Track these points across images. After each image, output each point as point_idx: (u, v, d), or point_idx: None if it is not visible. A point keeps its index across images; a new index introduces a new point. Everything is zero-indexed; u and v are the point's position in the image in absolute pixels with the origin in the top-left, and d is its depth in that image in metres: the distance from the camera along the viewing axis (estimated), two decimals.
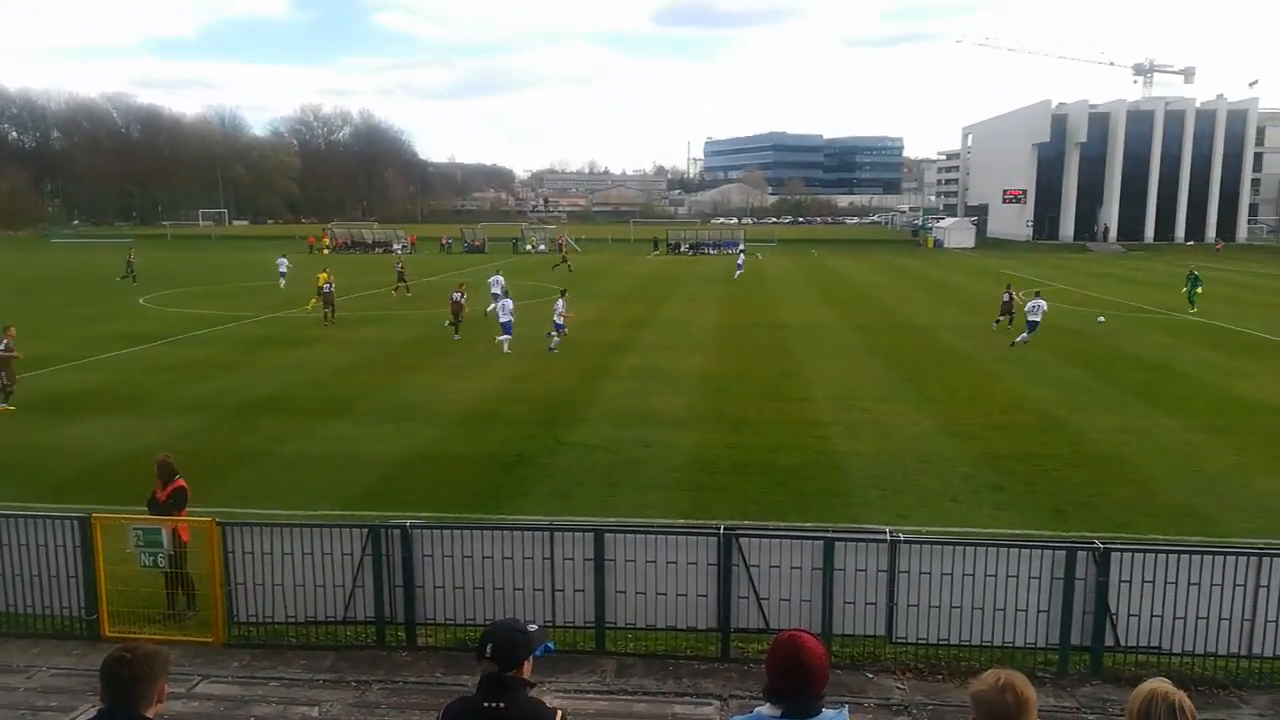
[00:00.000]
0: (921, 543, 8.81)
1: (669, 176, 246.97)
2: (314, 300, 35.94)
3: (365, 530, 9.14)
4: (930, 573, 8.60)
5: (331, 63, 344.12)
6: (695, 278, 54.32)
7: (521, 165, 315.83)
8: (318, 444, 16.70)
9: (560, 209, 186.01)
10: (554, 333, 26.63)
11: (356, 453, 16.06)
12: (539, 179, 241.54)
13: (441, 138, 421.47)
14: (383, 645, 9.16)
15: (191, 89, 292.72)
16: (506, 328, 26.62)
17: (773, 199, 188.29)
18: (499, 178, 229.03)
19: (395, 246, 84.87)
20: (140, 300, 40.44)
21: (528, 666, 3.64)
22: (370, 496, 13.68)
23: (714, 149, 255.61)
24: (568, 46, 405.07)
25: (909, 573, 8.62)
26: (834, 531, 9.64)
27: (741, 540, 8.85)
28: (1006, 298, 31.30)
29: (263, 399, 20.34)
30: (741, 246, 55.21)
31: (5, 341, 19.49)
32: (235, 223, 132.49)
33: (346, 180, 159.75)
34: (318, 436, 17.24)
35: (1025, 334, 27.87)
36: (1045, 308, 28.55)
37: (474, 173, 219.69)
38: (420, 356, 26.23)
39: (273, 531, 9.14)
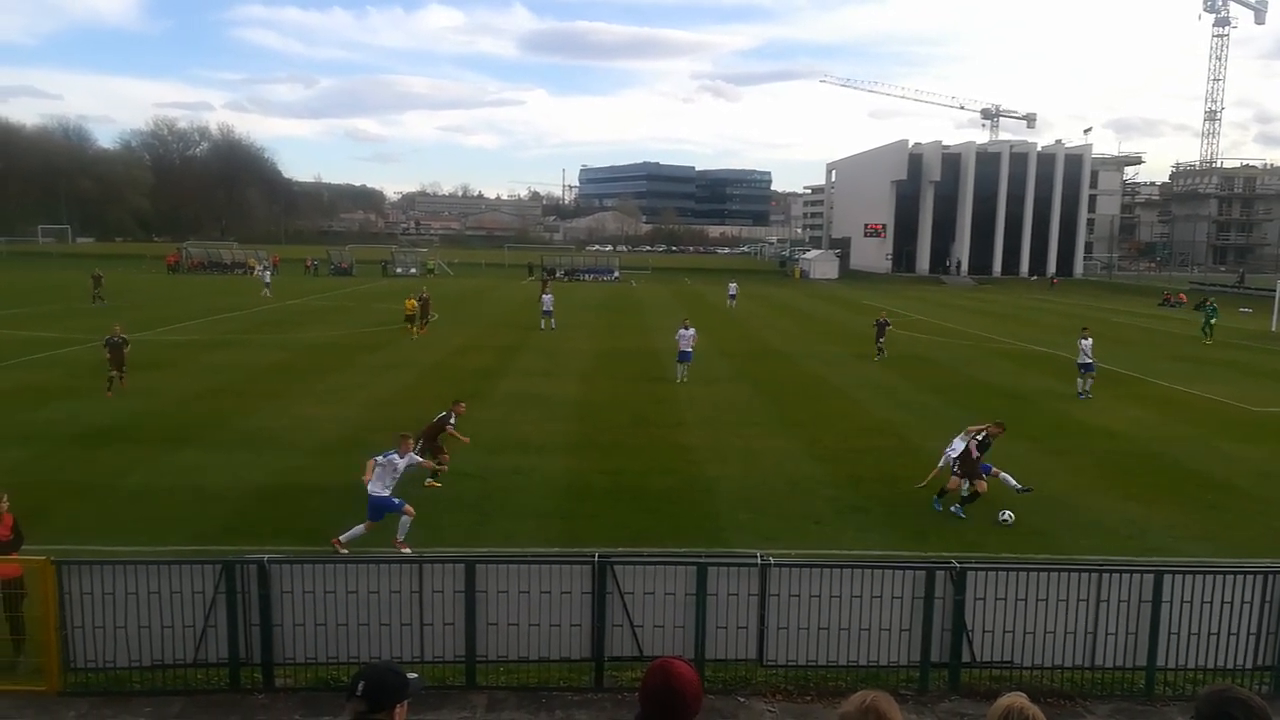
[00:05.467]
0: (791, 565, 8.99)
1: (544, 202, 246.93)
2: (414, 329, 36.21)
3: (218, 566, 8.63)
4: (799, 595, 8.78)
5: (180, 74, 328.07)
6: (571, 304, 54.32)
7: (392, 187, 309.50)
8: (167, 475, 15.72)
9: (432, 232, 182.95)
10: None
11: (210, 484, 15.20)
12: (410, 201, 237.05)
13: (305, 157, 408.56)
14: (237, 688, 8.64)
15: (24, 98, 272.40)
16: (684, 357, 26.91)
17: (647, 227, 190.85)
18: (368, 199, 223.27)
19: (258, 270, 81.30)
20: None
21: (400, 712, 3.49)
22: (225, 531, 12.95)
23: (589, 176, 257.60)
24: (436, 69, 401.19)
25: (779, 596, 8.78)
26: (706, 556, 9.74)
27: (616, 567, 8.81)
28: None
29: (106, 427, 19.03)
30: (734, 287, 56.76)
31: (444, 414, 16.27)
32: (80, 240, 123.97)
33: (204, 197, 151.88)
34: (167, 467, 16.24)
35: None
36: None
37: (341, 194, 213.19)
38: (281, 382, 25.17)
39: (115, 570, 8.51)
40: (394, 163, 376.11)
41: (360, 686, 3.45)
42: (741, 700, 8.63)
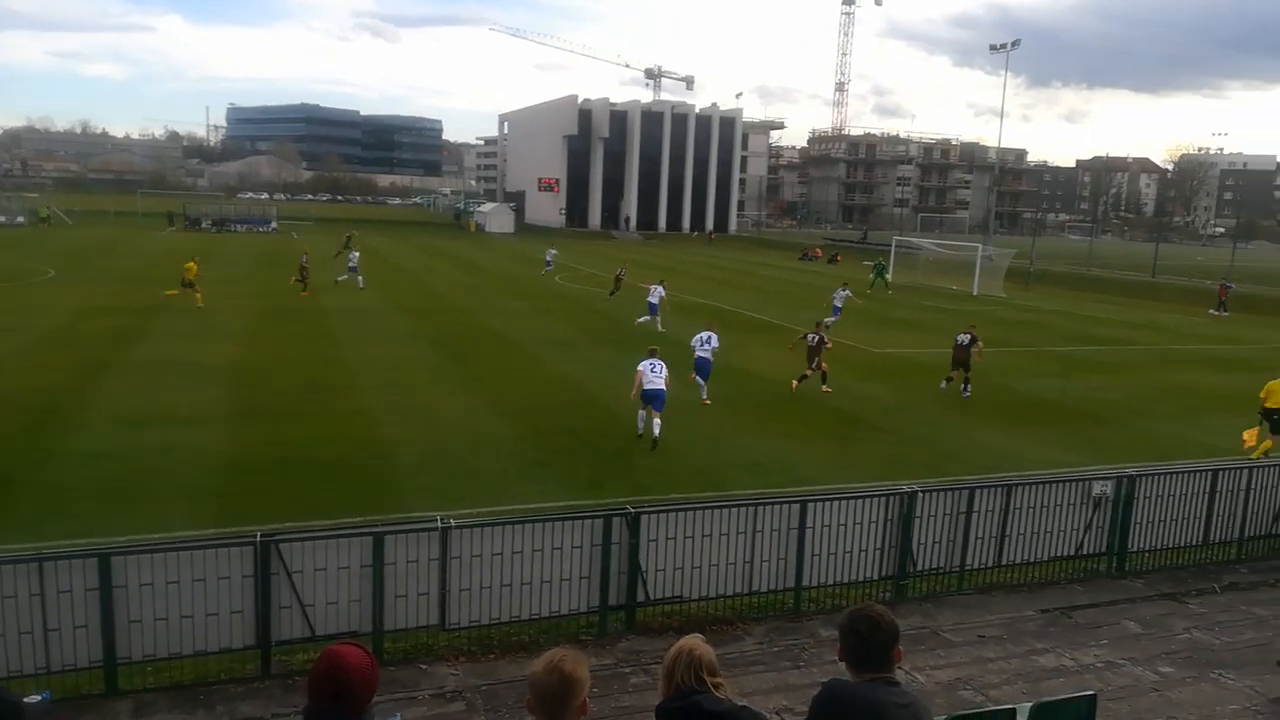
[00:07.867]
0: (471, 526, 8.85)
1: (185, 144, 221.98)
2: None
3: None
4: (481, 555, 8.68)
5: None
6: (222, 258, 49.59)
7: None
8: None
9: (45, 175, 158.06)
10: None
11: None
12: (14, 139, 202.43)
13: None
14: None
15: None
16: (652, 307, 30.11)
17: (308, 175, 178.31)
18: None
19: None
20: None
21: None
22: None
23: (239, 116, 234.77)
24: None
25: (460, 558, 8.62)
26: (383, 525, 9.34)
27: (281, 546, 8.15)
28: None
29: None
30: (553, 252, 51.98)
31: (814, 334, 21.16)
32: None
33: None
34: None
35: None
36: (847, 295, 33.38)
37: None
38: None
39: None
40: None
41: None
42: (424, 668, 8.41)
